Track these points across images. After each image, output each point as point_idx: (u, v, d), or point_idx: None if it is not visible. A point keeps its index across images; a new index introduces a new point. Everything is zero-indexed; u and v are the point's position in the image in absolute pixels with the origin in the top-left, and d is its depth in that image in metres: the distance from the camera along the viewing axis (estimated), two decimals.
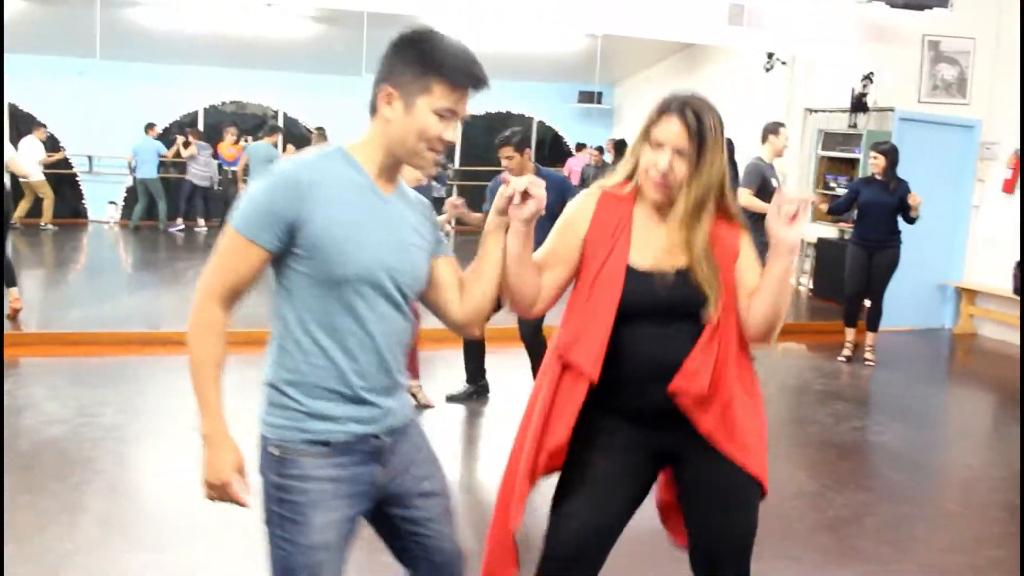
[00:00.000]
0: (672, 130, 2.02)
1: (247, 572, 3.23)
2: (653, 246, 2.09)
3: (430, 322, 2.38)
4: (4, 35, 6.76)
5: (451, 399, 5.42)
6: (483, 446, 5.01)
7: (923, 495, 4.41)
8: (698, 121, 2.01)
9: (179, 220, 13.24)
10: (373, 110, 1.87)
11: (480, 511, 3.68)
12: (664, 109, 2.05)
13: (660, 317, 2.07)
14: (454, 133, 1.84)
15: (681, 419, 2.09)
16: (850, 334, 7.26)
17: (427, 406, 5.20)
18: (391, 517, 2.01)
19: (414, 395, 5.06)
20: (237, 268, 1.80)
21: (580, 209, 2.15)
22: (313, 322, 1.83)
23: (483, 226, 2.06)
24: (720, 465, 2.11)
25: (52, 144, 12.75)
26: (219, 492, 1.86)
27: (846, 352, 7.23)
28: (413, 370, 5.11)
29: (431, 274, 2.00)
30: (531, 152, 5.15)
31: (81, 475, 4.07)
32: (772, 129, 6.97)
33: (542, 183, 1.96)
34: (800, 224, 2.03)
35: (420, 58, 1.80)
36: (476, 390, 5.49)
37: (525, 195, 1.96)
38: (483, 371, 5.50)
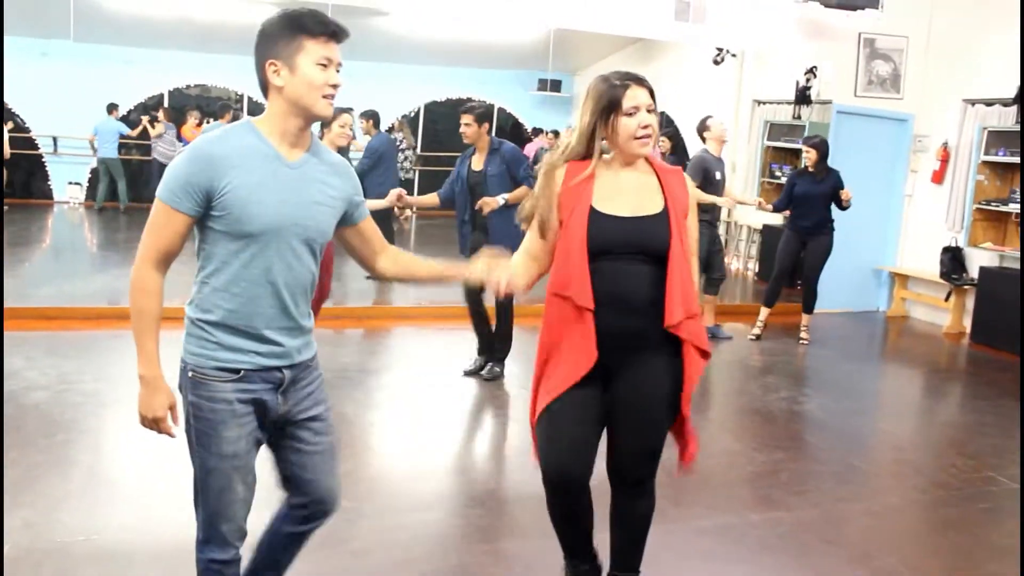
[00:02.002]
0: (640, 94, 2.57)
1: None
2: (618, 196, 2.60)
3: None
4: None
5: (468, 374, 5.82)
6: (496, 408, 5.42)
7: (835, 455, 4.89)
8: (646, 81, 2.60)
9: None
10: (264, 88, 2.21)
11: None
12: (625, 84, 2.56)
13: (626, 255, 2.56)
14: (336, 77, 2.19)
15: (627, 346, 2.58)
16: (763, 313, 7.69)
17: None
18: (282, 444, 2.35)
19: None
20: (165, 235, 2.14)
21: (554, 178, 2.65)
22: (226, 270, 2.16)
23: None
24: (649, 382, 2.62)
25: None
26: (151, 424, 2.22)
27: (756, 330, 7.66)
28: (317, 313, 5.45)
29: (360, 230, 2.42)
30: (489, 127, 5.61)
31: (66, 434, 4.41)
32: (702, 127, 7.31)
33: (506, 276, 2.42)
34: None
35: (287, 27, 2.16)
36: (491, 366, 5.82)
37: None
38: (491, 342, 5.83)
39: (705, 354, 2.68)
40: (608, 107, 2.56)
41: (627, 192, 2.61)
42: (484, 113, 5.58)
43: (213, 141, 2.16)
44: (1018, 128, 7.93)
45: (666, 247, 2.56)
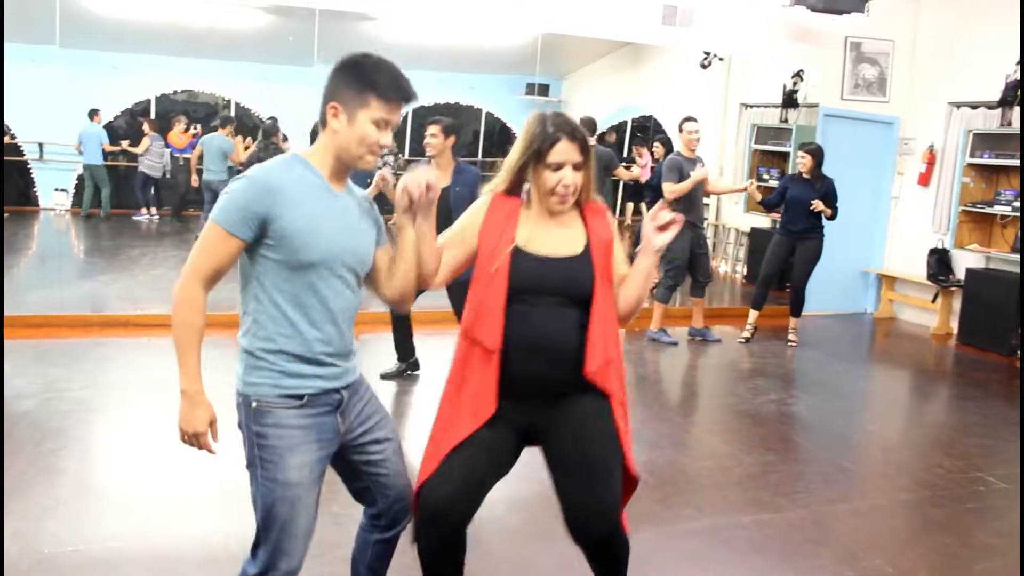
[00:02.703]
0: (568, 150, 2.42)
1: (206, 523, 3.62)
2: (541, 237, 2.48)
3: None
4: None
5: (384, 377, 5.79)
6: (413, 415, 5.41)
7: (822, 455, 4.91)
8: (581, 136, 2.46)
9: (143, 209, 13.40)
10: (323, 123, 2.26)
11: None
12: (554, 137, 2.41)
13: (547, 297, 2.43)
14: (388, 138, 2.25)
15: (553, 395, 2.45)
16: (752, 316, 7.72)
17: None
18: (351, 461, 2.43)
19: None
20: (218, 255, 2.18)
21: (479, 206, 2.56)
22: (282, 299, 2.22)
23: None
24: (588, 441, 2.43)
25: None
26: (192, 440, 2.25)
27: (746, 333, 7.69)
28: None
29: (377, 257, 2.42)
30: (455, 142, 5.41)
31: (55, 442, 4.39)
32: (679, 127, 7.42)
33: (427, 175, 2.33)
34: (669, 234, 2.48)
35: (359, 78, 2.21)
36: (407, 367, 5.87)
37: (428, 187, 2.35)
38: (412, 349, 5.87)
39: (620, 402, 2.51)
40: (536, 153, 2.43)
41: (550, 230, 2.50)
42: (453, 128, 5.39)
43: (270, 171, 2.21)
44: (1002, 131, 7.99)
45: (589, 290, 2.44)
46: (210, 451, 2.27)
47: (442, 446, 2.45)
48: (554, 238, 2.50)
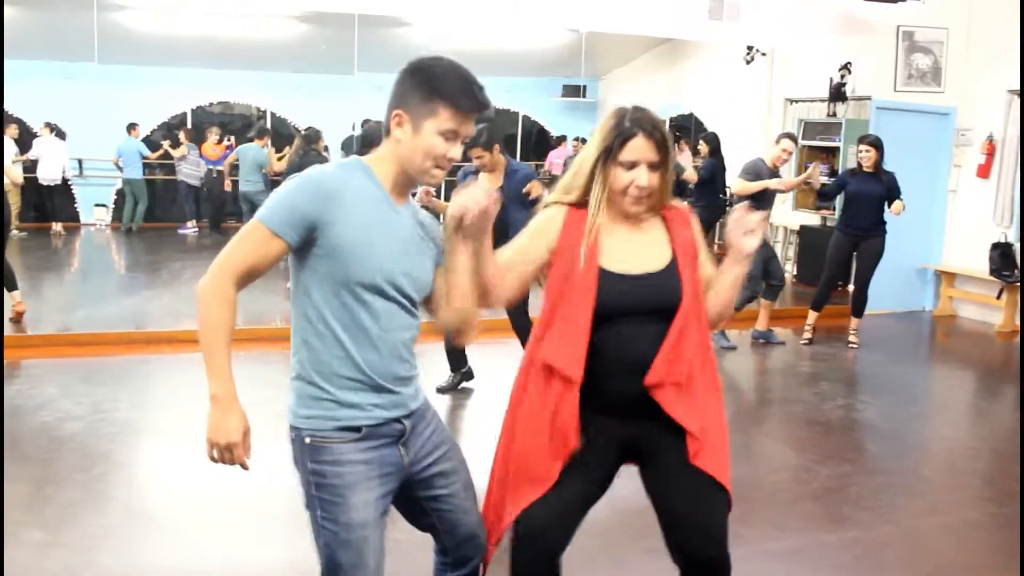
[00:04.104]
0: (644, 148, 2.20)
1: (262, 551, 3.46)
2: (623, 251, 2.27)
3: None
4: (3, 38, 6.88)
5: (441, 391, 5.61)
6: (472, 430, 5.22)
7: (902, 465, 4.65)
8: (660, 133, 2.22)
9: (189, 223, 13.38)
10: (387, 131, 2.05)
11: None
12: (630, 132, 2.20)
13: (633, 316, 2.23)
14: (457, 152, 2.02)
15: (651, 413, 2.22)
16: (812, 317, 7.46)
17: None
18: (415, 498, 2.19)
19: None
20: (256, 254, 1.96)
21: (551, 219, 2.31)
22: (333, 319, 2.00)
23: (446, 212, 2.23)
24: (688, 465, 2.23)
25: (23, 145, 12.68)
26: (224, 453, 1.96)
27: (807, 335, 7.44)
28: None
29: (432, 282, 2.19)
30: (500, 146, 5.32)
31: (103, 467, 4.25)
32: (776, 140, 7.09)
33: (484, 195, 2.07)
34: (756, 238, 2.29)
35: (427, 85, 1.99)
36: (461, 377, 5.69)
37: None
38: (464, 357, 5.69)
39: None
40: (607, 149, 2.23)
41: (632, 241, 2.29)
42: (490, 137, 5.25)
43: (327, 174, 2.00)
44: None
45: (677, 303, 2.24)
46: (244, 466, 1.99)
47: (521, 488, 2.24)
48: (638, 251, 2.28)
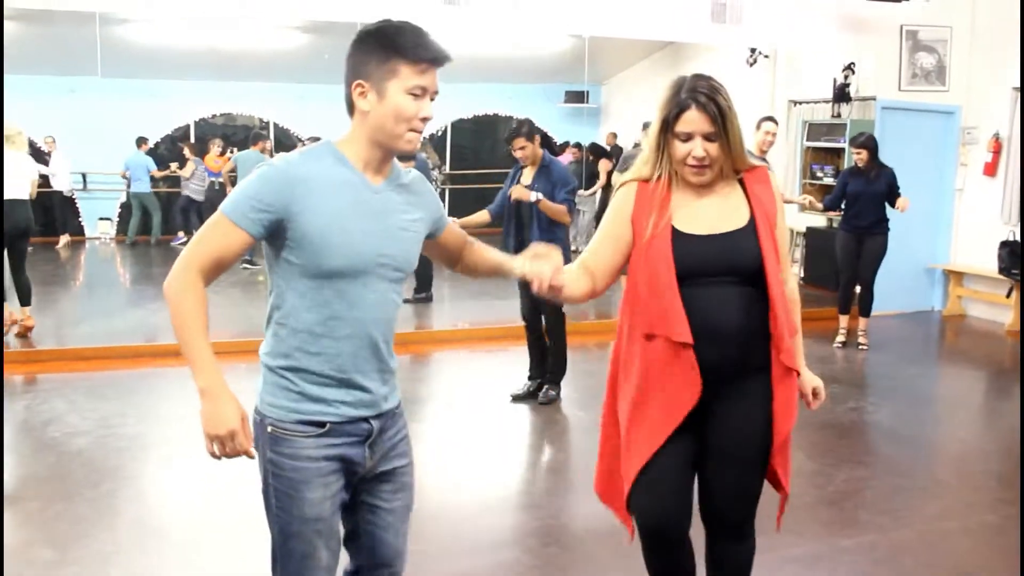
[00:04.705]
0: (697, 120, 2.20)
1: None
2: (698, 214, 2.28)
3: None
4: (4, 44, 6.88)
5: (517, 399, 5.58)
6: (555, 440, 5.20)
7: (917, 468, 4.61)
8: (715, 103, 2.20)
9: (180, 234, 13.37)
10: (350, 108, 1.99)
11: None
12: (683, 104, 2.21)
13: (712, 278, 2.24)
14: (428, 109, 1.95)
15: (723, 377, 2.27)
16: (843, 320, 7.45)
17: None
18: (358, 500, 2.09)
19: None
20: (220, 246, 1.90)
21: (625, 196, 2.37)
22: (305, 310, 1.94)
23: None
24: (744, 419, 2.34)
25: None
26: (225, 443, 1.89)
27: (840, 338, 7.41)
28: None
29: (443, 241, 2.21)
30: (539, 138, 5.39)
31: (112, 483, 4.23)
32: (756, 125, 7.09)
33: (550, 270, 2.16)
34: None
35: (380, 46, 1.91)
36: (542, 382, 5.62)
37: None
38: (544, 363, 5.62)
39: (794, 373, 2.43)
40: (666, 121, 2.24)
41: (706, 205, 2.29)
42: (532, 128, 5.36)
43: (292, 162, 1.94)
44: None
45: (755, 266, 2.24)
46: (249, 454, 1.93)
47: (642, 455, 2.32)
48: (712, 213, 2.29)
